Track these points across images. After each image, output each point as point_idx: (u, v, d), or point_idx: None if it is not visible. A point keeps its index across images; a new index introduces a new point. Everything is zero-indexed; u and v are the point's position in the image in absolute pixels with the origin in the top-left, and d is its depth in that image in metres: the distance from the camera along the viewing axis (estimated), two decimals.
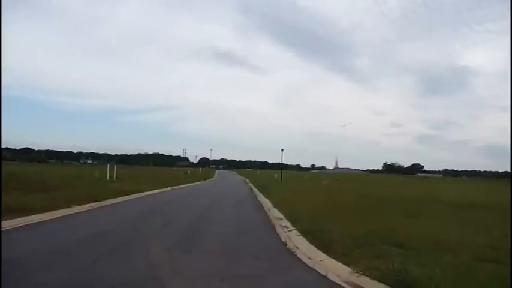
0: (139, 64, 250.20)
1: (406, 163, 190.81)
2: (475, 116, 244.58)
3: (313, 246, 7.74)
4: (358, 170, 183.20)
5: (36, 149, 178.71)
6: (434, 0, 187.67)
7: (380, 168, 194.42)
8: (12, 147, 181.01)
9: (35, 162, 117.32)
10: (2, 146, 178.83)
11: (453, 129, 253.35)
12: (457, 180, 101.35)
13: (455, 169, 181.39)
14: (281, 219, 12.09)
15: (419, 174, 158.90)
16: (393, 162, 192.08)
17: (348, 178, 68.42)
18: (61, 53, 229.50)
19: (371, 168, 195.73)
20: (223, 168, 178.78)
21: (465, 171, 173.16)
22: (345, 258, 6.54)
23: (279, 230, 10.31)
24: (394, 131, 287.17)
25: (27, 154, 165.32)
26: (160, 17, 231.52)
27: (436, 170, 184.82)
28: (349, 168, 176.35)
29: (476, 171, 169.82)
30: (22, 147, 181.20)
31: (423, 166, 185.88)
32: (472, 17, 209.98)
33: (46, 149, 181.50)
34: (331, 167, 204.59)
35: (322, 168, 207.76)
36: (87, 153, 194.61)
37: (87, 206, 13.47)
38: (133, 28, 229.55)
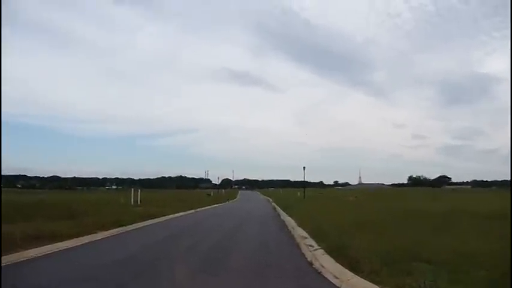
0: (158, 88, 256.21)
1: (432, 175, 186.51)
2: (501, 124, 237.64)
3: (339, 265, 7.59)
4: (383, 184, 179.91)
5: (63, 177, 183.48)
6: (449, 10, 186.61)
7: (405, 181, 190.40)
8: (41, 176, 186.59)
9: (63, 190, 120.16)
10: (32, 175, 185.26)
11: (479, 138, 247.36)
12: (487, 191, 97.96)
13: (484, 180, 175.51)
14: (305, 237, 11.93)
15: (446, 187, 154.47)
16: (418, 175, 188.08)
17: (372, 193, 67.16)
18: (82, 81, 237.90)
19: (396, 182, 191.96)
20: (246, 189, 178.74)
21: (495, 181, 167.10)
22: (373, 277, 6.37)
23: (304, 249, 10.16)
24: (417, 143, 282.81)
25: (55, 182, 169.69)
26: (176, 41, 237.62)
27: (464, 181, 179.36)
28: (373, 183, 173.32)
29: (507, 180, 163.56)
30: (50, 175, 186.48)
31: (450, 178, 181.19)
32: (489, 24, 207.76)
33: (73, 176, 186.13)
34: (355, 183, 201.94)
35: (346, 184, 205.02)
36: (111, 179, 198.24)
37: (113, 231, 13.64)
38: (150, 53, 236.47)
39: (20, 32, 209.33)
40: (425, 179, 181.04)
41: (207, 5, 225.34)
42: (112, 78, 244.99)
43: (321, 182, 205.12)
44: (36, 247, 9.52)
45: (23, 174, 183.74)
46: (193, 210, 27.99)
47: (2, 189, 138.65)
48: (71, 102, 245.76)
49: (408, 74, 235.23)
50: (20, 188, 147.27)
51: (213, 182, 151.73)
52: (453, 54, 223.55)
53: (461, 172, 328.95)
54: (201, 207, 32.53)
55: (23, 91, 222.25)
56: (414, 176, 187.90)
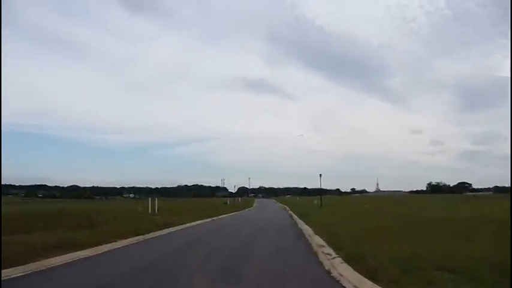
0: (174, 98, 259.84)
1: (452, 182, 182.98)
2: None
3: (358, 274, 7.50)
4: (401, 191, 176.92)
5: (82, 186, 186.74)
6: (466, 13, 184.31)
7: (424, 188, 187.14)
8: (61, 185, 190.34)
9: (82, 199, 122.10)
10: (53, 185, 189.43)
11: (500, 143, 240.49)
12: (509, 197, 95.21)
13: (506, 185, 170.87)
14: (323, 246, 11.83)
15: (467, 193, 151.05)
16: (437, 181, 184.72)
17: (390, 200, 66.20)
18: (100, 92, 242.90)
19: (414, 189, 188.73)
20: (262, 197, 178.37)
21: None
22: (392, 286, 6.28)
23: (321, 257, 10.07)
24: (435, 149, 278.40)
25: (74, 191, 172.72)
26: (191, 51, 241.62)
27: (486, 187, 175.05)
28: (390, 190, 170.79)
29: None
30: (70, 185, 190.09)
31: (471, 184, 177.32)
32: (508, 27, 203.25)
33: (91, 185, 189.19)
34: (372, 190, 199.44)
35: (363, 191, 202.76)
36: (129, 188, 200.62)
37: (131, 240, 13.78)
38: (166, 63, 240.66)
39: (41, 47, 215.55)
40: (444, 185, 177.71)
41: (221, 15, 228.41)
42: (129, 89, 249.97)
43: (338, 190, 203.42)
44: (57, 256, 9.71)
45: (44, 184, 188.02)
46: (210, 219, 28.04)
47: (24, 198, 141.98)
48: (90, 113, 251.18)
49: (425, 79, 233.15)
50: (40, 197, 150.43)
51: (229, 191, 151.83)
52: (471, 58, 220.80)
53: (482, 178, 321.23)
54: (218, 215, 32.57)
55: (44, 103, 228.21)
56: (433, 183, 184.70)
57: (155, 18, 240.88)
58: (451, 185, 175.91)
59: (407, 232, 13.53)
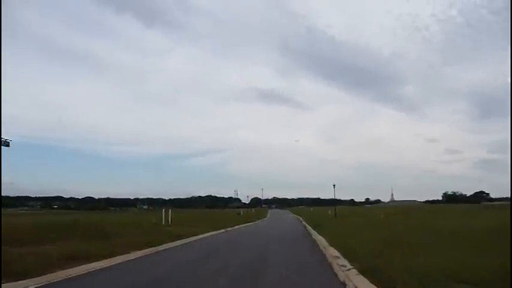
0: (188, 109, 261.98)
1: (468, 191, 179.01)
2: None
3: (374, 286, 7.36)
4: (416, 201, 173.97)
5: (97, 198, 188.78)
6: (479, 21, 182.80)
7: (439, 198, 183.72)
8: (76, 197, 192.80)
9: (97, 210, 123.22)
10: (68, 196, 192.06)
11: None
12: None
13: None
14: (338, 257, 11.68)
15: (484, 203, 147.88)
16: (454, 191, 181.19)
17: (405, 210, 65.11)
18: (114, 105, 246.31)
19: (430, 199, 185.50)
20: (276, 207, 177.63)
21: None
22: None
23: (336, 269, 9.93)
24: (451, 158, 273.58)
25: (89, 203, 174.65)
26: (204, 63, 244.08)
27: (504, 196, 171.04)
28: (406, 200, 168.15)
29: None
30: (85, 197, 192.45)
31: (488, 193, 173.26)
32: None
33: (106, 197, 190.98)
34: (387, 200, 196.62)
35: (377, 201, 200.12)
36: (143, 199, 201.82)
37: (145, 251, 13.81)
38: (179, 75, 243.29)
39: (57, 61, 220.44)
40: (461, 195, 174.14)
41: (233, 27, 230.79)
42: (143, 101, 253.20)
43: (352, 200, 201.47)
44: (72, 267, 9.79)
45: (60, 195, 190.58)
46: (223, 230, 27.98)
47: (41, 209, 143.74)
48: (105, 125, 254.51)
49: (439, 87, 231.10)
50: (56, 208, 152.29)
51: (242, 201, 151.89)
52: (485, 65, 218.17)
53: (499, 187, 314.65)
54: (232, 226, 32.49)
55: (60, 116, 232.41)
56: (449, 192, 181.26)
57: (168, 31, 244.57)
58: (468, 195, 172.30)
59: (424, 243, 13.28)
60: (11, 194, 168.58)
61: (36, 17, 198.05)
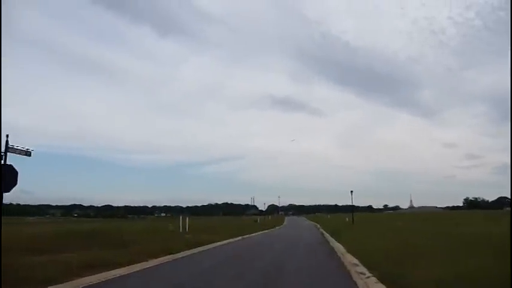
0: (204, 117, 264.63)
1: (490, 197, 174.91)
2: None
3: None
4: (436, 207, 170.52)
5: (115, 206, 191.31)
6: (497, 23, 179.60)
7: (460, 204, 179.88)
8: (95, 205, 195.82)
9: (116, 218, 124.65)
10: (87, 204, 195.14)
11: None
12: None
13: None
14: (356, 265, 11.51)
15: (507, 208, 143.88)
16: (475, 196, 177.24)
17: (425, 217, 63.93)
18: (132, 114, 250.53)
19: (450, 205, 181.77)
20: (292, 214, 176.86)
21: None
22: None
23: (355, 277, 9.77)
24: (471, 163, 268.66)
25: (108, 211, 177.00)
26: (219, 71, 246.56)
27: None
28: (425, 206, 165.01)
29: None
30: (104, 205, 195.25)
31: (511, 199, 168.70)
32: None
33: (124, 205, 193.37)
34: (406, 206, 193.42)
35: (396, 208, 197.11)
36: (160, 207, 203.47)
37: (162, 259, 13.86)
38: (195, 83, 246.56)
39: (75, 72, 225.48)
40: (482, 200, 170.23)
41: (247, 35, 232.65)
42: (160, 110, 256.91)
43: (370, 206, 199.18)
44: (91, 275, 9.88)
45: (79, 203, 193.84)
46: (240, 237, 27.93)
47: (61, 217, 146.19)
48: (122, 134, 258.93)
49: (457, 91, 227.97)
50: (76, 216, 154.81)
51: (259, 209, 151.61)
52: (505, 67, 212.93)
53: None
54: (248, 233, 32.42)
55: (79, 126, 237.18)
56: (470, 198, 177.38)
57: (183, 40, 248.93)
58: (490, 200, 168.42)
59: (445, 251, 12.98)
60: (33, 203, 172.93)
61: (55, 29, 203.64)
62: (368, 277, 9.27)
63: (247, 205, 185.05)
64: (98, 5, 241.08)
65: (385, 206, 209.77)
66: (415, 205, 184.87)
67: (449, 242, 16.39)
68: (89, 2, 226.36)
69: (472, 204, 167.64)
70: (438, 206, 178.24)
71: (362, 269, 10.60)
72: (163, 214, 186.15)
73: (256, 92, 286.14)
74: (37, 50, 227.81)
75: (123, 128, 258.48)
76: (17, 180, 9.09)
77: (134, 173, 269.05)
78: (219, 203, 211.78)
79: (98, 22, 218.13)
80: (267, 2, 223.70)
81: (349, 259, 13.10)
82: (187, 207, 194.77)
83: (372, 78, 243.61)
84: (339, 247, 17.98)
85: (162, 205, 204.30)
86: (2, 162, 8.99)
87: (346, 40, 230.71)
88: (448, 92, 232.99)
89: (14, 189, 9.09)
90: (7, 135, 9.07)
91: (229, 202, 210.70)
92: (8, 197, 9.26)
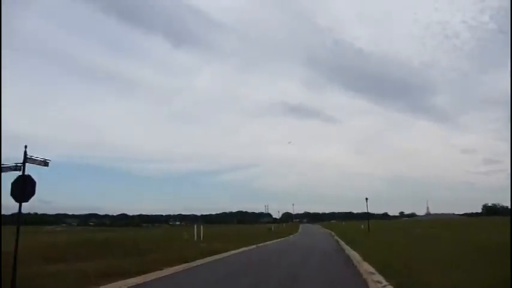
0: (218, 125, 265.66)
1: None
2: None
3: None
4: (453, 214, 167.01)
5: (130, 215, 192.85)
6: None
7: (479, 210, 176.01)
8: (110, 214, 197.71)
9: (131, 227, 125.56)
10: (103, 213, 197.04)
11: None
12: None
13: None
14: (373, 273, 11.35)
15: None
16: (494, 203, 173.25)
17: (443, 224, 62.73)
18: (146, 124, 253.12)
19: (468, 212, 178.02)
20: (307, 222, 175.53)
21: None
22: None
23: (371, 285, 9.64)
24: (489, 168, 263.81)
25: (123, 220, 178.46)
26: (232, 80, 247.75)
27: None
28: (442, 213, 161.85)
29: None
30: (119, 213, 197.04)
31: None
32: None
33: (139, 213, 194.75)
34: (423, 213, 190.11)
35: (413, 215, 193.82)
36: (175, 216, 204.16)
37: (177, 268, 13.89)
38: (209, 92, 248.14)
39: (90, 82, 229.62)
40: (502, 207, 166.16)
41: (260, 42, 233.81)
42: (174, 119, 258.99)
43: (386, 214, 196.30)
44: (108, 283, 9.97)
45: (95, 212, 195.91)
46: (255, 245, 27.80)
47: (78, 226, 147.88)
48: (137, 144, 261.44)
49: (473, 96, 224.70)
50: (92, 225, 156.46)
51: (273, 216, 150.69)
52: None
53: None
54: (263, 242, 32.26)
55: (95, 136, 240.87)
56: (489, 204, 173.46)
57: (196, 50, 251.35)
58: (510, 207, 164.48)
59: (464, 259, 12.71)
60: (50, 212, 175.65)
61: (72, 40, 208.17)
62: (384, 286, 9.13)
63: (261, 213, 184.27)
64: (113, 17, 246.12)
65: (401, 213, 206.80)
66: (432, 212, 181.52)
67: (470, 249, 16.04)
68: (104, 15, 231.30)
69: (491, 211, 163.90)
70: (456, 212, 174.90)
71: (378, 277, 10.45)
72: (177, 222, 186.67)
73: (270, 99, 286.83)
74: (54, 61, 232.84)
75: (137, 138, 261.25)
76: (35, 190, 9.25)
77: (149, 181, 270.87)
78: (233, 211, 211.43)
79: (113, 33, 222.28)
80: (278, 10, 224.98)
81: (365, 267, 12.93)
82: (202, 215, 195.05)
83: (386, 84, 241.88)
84: (354, 255, 17.76)
85: (177, 213, 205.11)
86: (21, 172, 9.16)
87: (359, 46, 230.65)
88: (463, 96, 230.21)
89: (32, 198, 9.24)
90: (25, 146, 9.24)
91: (243, 210, 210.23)
92: (26, 207, 9.41)
